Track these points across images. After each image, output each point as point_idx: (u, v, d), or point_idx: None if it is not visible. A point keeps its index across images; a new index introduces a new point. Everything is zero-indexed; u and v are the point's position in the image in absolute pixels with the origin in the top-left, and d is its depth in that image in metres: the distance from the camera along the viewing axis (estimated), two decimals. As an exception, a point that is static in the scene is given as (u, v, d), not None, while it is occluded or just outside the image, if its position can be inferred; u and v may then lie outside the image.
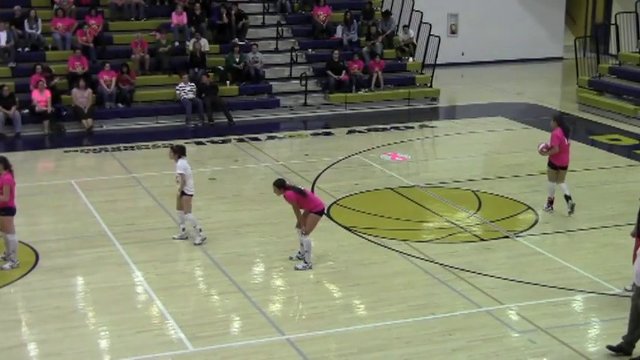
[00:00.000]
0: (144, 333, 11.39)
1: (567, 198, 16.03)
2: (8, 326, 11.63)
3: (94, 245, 14.50)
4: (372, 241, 14.76)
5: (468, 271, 13.45)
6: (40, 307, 12.16)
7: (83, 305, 12.46)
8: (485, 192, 17.45)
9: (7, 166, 13.26)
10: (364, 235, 15.01)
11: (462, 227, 15.53)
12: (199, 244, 14.37)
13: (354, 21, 27.55)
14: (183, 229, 14.61)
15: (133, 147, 21.06)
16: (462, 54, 32.45)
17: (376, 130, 23.14)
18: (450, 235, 15.18)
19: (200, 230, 14.47)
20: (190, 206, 14.43)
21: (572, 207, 15.97)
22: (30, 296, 12.61)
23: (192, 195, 14.47)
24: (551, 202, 16.29)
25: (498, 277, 13.22)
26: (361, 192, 17.53)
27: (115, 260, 13.88)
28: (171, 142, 21.34)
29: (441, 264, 13.72)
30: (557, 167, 16.06)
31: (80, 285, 13.21)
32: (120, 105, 23.77)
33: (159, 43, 24.88)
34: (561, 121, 16.19)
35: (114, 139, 21.86)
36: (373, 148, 20.94)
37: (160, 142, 21.39)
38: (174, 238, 14.61)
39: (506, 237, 15.02)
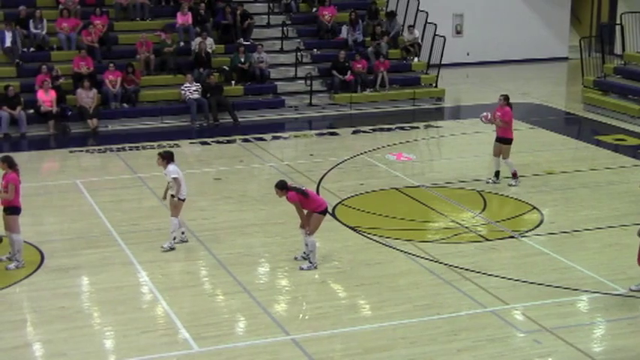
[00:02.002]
0: (149, 333, 11.39)
1: (514, 175, 17.73)
2: (13, 326, 11.64)
3: (99, 245, 14.51)
4: (377, 241, 14.75)
5: (473, 271, 13.43)
6: (45, 307, 12.17)
7: (88, 305, 12.46)
8: (490, 192, 17.43)
9: (13, 165, 13.28)
10: (369, 235, 15.00)
11: (467, 227, 15.51)
12: (166, 250, 14.14)
13: (359, 21, 27.55)
14: (183, 233, 14.54)
15: (138, 147, 21.08)
16: (468, 54, 32.42)
17: (381, 130, 23.13)
18: (455, 235, 15.16)
19: (174, 239, 14.30)
20: (179, 211, 14.28)
21: (496, 180, 17.74)
22: (35, 296, 12.62)
23: (184, 200, 14.31)
24: (497, 174, 17.75)
25: (503, 277, 13.21)
26: (366, 192, 17.52)
27: (120, 260, 13.88)
28: (176, 142, 21.50)
29: (446, 264, 13.71)
30: (508, 142, 17.62)
31: (85, 285, 13.22)
32: (125, 105, 23.79)
33: (164, 44, 24.90)
34: (509, 100, 17.80)
35: (119, 139, 21.88)
36: (378, 148, 20.93)
37: (165, 142, 21.39)
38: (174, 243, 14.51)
39: (512, 237, 15.00)
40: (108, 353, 11.09)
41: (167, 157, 14.21)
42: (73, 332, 11.42)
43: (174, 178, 14.06)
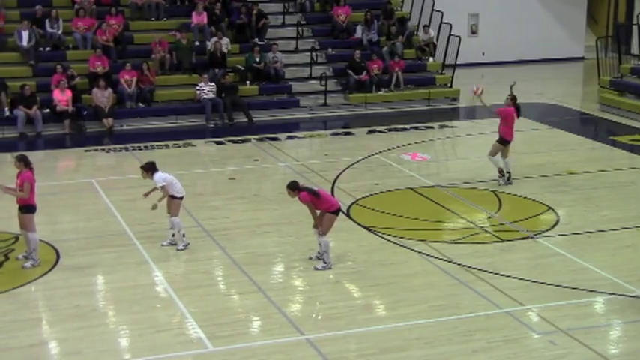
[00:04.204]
0: (164, 332, 11.40)
1: (509, 174, 17.76)
2: (29, 324, 11.67)
3: (115, 244, 14.55)
4: (391, 242, 14.72)
5: (488, 271, 13.39)
6: (60, 306, 12.20)
7: (103, 304, 12.49)
8: (505, 192, 17.37)
9: (28, 164, 13.33)
10: (384, 235, 14.98)
11: (482, 228, 15.47)
12: (182, 249, 14.19)
13: (374, 21, 27.52)
14: (173, 235, 14.45)
15: (153, 146, 21.12)
16: (483, 54, 32.34)
17: (396, 130, 23.09)
18: (471, 235, 15.12)
19: (184, 235, 14.29)
20: (178, 210, 14.29)
21: (508, 178, 17.78)
22: (50, 295, 12.66)
23: (181, 198, 14.27)
24: (501, 171, 17.74)
25: (519, 278, 13.15)
26: (381, 192, 17.50)
27: (135, 259, 13.91)
28: (191, 141, 21.55)
29: (461, 264, 13.67)
30: (507, 143, 17.61)
31: (100, 284, 13.25)
32: (140, 104, 23.86)
33: (179, 43, 24.95)
34: (516, 101, 17.83)
35: (134, 139, 21.93)
36: (393, 148, 20.90)
37: (180, 142, 21.46)
38: (162, 245, 14.40)
39: (527, 237, 14.94)
40: (123, 352, 11.10)
41: (149, 169, 14.09)
42: (88, 331, 11.45)
43: (163, 187, 14.00)
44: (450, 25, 27.36)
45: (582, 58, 33.96)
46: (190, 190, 15.91)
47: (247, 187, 17.89)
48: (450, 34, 27.22)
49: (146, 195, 14.29)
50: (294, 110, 24.99)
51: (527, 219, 15.95)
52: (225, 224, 15.52)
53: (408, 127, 23.41)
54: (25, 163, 13.34)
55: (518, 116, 17.89)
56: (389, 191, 17.58)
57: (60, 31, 24.70)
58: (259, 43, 25.84)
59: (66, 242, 14.60)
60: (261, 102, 24.86)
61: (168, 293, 12.64)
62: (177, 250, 14.22)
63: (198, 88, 23.98)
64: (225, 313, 12.00)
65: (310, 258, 13.79)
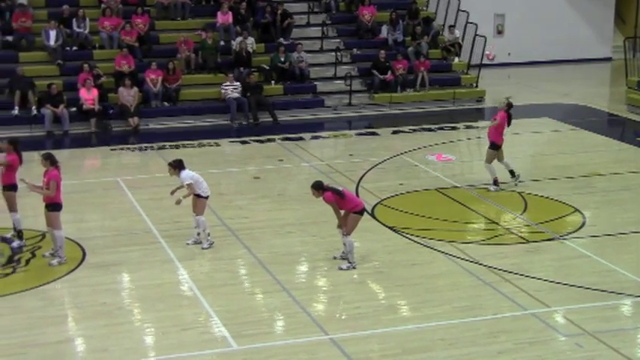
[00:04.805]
0: (188, 330, 11.44)
1: (512, 172, 17.59)
2: (55, 321, 11.75)
3: (140, 242, 14.61)
4: (416, 242, 14.68)
5: (513, 273, 13.32)
6: (86, 303, 12.28)
7: (129, 302, 12.54)
8: (531, 193, 17.27)
9: (54, 162, 13.41)
10: (408, 236, 14.94)
11: (507, 229, 15.39)
12: (207, 248, 14.24)
13: (400, 21, 27.46)
14: (198, 234, 14.46)
15: (178, 145, 21.19)
16: (509, 54, 32.15)
17: (421, 130, 23.03)
18: (496, 236, 15.05)
19: (209, 234, 14.34)
20: (203, 209, 14.34)
21: (517, 178, 17.65)
22: (77, 292, 12.73)
23: (207, 197, 14.33)
24: (496, 180, 17.39)
25: (544, 280, 13.07)
26: (406, 192, 17.45)
27: (160, 258, 13.96)
28: (216, 140, 21.61)
29: (486, 265, 13.61)
30: (499, 147, 17.28)
31: (126, 282, 13.32)
32: (165, 104, 23.95)
33: (204, 43, 25.02)
34: (510, 107, 17.45)
35: (159, 138, 22.03)
36: (418, 149, 20.84)
37: (205, 141, 21.51)
38: (187, 244, 14.45)
39: (553, 239, 14.85)
40: (148, 350, 11.15)
41: (177, 166, 14.18)
42: (113, 328, 11.50)
43: (189, 185, 14.05)
44: (476, 25, 27.24)
45: (610, 59, 33.71)
46: (215, 189, 15.94)
47: (272, 187, 17.90)
48: (476, 34, 27.10)
49: (173, 192, 14.34)
50: (318, 110, 24.99)
51: (553, 220, 15.85)
52: (250, 223, 15.54)
53: (433, 127, 23.33)
54: (51, 161, 13.43)
55: (509, 124, 17.45)
56: (414, 191, 17.53)
57: (87, 31, 24.84)
58: (284, 42, 25.87)
59: (92, 240, 14.68)
60: (285, 102, 24.87)
61: (193, 292, 12.68)
62: (202, 248, 14.26)
63: (223, 87, 24.03)
64: (250, 312, 12.02)
65: (334, 258, 13.78)
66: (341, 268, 13.45)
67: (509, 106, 17.42)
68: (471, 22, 27.52)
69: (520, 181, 17.66)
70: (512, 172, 17.66)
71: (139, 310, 12.19)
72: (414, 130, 22.94)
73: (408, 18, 27.98)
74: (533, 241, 14.75)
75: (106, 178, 18.62)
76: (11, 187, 14.15)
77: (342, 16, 28.13)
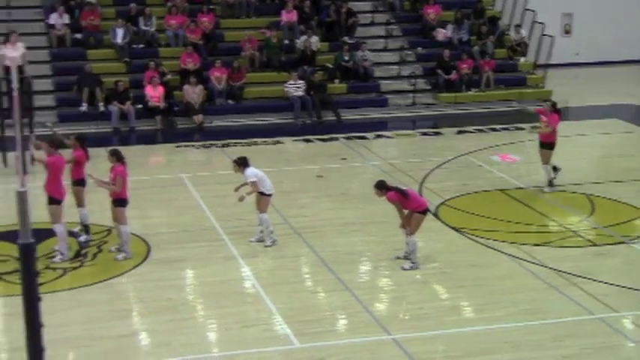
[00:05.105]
0: (251, 327, 11.48)
1: (555, 168, 17.38)
2: (120, 315, 11.90)
3: (204, 239, 14.72)
4: (480, 243, 14.53)
5: (580, 276, 13.08)
6: (151, 298, 12.41)
7: (192, 298, 12.65)
8: (599, 196, 16.96)
9: (120, 159, 13.58)
10: (472, 237, 14.79)
11: (574, 231, 15.13)
12: (270, 246, 14.26)
13: (465, 20, 27.22)
14: (261, 232, 14.47)
15: (241, 143, 21.30)
16: (577, 54, 31.62)
17: (486, 130, 22.79)
18: (562, 239, 14.81)
19: (272, 232, 14.37)
20: (267, 207, 14.36)
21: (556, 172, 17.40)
22: (141, 287, 12.88)
23: (270, 195, 14.34)
24: (551, 182, 17.27)
25: (612, 284, 12.81)
26: (470, 193, 17.29)
27: (223, 254, 14.05)
28: (279, 139, 21.66)
29: (551, 268, 13.39)
30: (554, 146, 17.14)
31: (190, 278, 13.44)
32: (230, 101, 24.11)
33: (269, 41, 25.12)
34: (555, 106, 17.31)
35: (223, 135, 22.17)
36: (483, 149, 20.63)
37: (268, 139, 21.59)
38: (250, 241, 14.49)
39: (621, 242, 14.55)
40: (211, 346, 11.23)
41: (242, 163, 14.24)
42: (178, 324, 11.60)
43: (253, 182, 14.09)
44: (543, 24, 26.85)
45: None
46: (278, 187, 15.92)
47: (334, 186, 17.88)
48: (543, 34, 26.72)
49: (237, 189, 14.42)
50: (382, 109, 24.90)
51: (621, 224, 15.53)
52: (313, 222, 15.55)
53: (498, 127, 23.07)
54: (117, 157, 13.60)
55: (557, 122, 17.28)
56: (478, 192, 17.35)
57: (153, 29, 25.14)
58: (349, 41, 25.83)
59: (156, 236, 14.83)
60: (349, 100, 24.83)
61: (256, 289, 12.72)
62: (265, 246, 14.31)
63: (287, 85, 24.10)
64: (312, 311, 12.02)
65: (397, 258, 13.70)
66: (404, 268, 13.38)
67: (554, 106, 17.30)
68: (538, 22, 27.14)
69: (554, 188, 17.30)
70: (551, 182, 17.33)
71: (202, 306, 12.28)
72: (479, 130, 22.71)
73: (473, 17, 27.71)
74: (601, 244, 14.47)
75: (171, 174, 18.81)
76: (79, 183, 14.37)
77: (407, 15, 27.97)
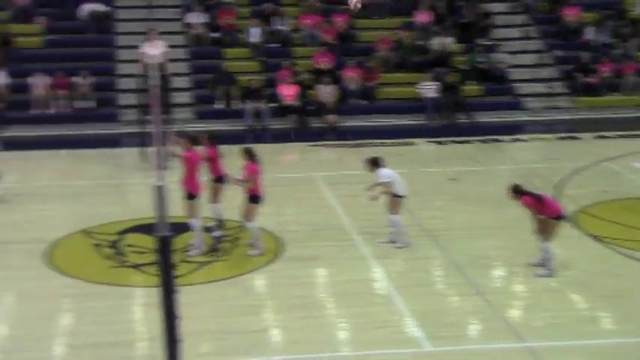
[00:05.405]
0: (382, 329, 11.37)
1: None
2: (252, 311, 12.00)
3: (335, 238, 14.72)
4: (620, 252, 13.99)
5: None
6: (282, 295, 12.48)
7: (323, 296, 12.64)
8: None
9: (252, 156, 13.73)
10: (612, 246, 14.26)
11: None
12: (401, 247, 14.11)
13: (606, 22, 26.36)
14: (392, 233, 14.33)
15: (374, 144, 21.25)
16: None
17: (627, 136, 21.98)
18: None
19: (403, 234, 14.19)
20: (398, 209, 14.19)
21: None
22: (273, 283, 12.98)
23: (402, 197, 14.17)
24: None
25: None
26: (610, 200, 16.68)
27: (354, 254, 14.01)
28: (412, 140, 21.53)
29: (697, 281, 12.77)
30: None
31: (321, 276, 13.45)
32: (363, 102, 24.10)
33: (402, 41, 24.99)
34: None
35: (356, 135, 22.18)
36: (623, 156, 19.89)
37: (401, 140, 21.47)
38: (381, 242, 14.37)
39: None
40: (340, 345, 11.19)
41: (375, 163, 14.14)
42: (308, 321, 11.61)
43: (385, 183, 13.93)
44: (691, 26, 25.74)
45: None
46: (410, 188, 15.73)
47: (468, 188, 17.60)
48: (690, 37, 25.62)
49: (369, 189, 14.36)
50: (518, 112, 24.39)
51: None
52: (445, 225, 15.34)
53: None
54: (249, 155, 13.76)
55: None
56: (619, 200, 16.73)
57: (288, 28, 25.39)
58: (484, 43, 25.41)
59: (289, 234, 14.93)
60: (483, 103, 24.44)
61: (387, 290, 12.62)
62: (396, 248, 14.19)
63: (420, 86, 23.91)
64: (444, 314, 11.82)
65: (532, 265, 13.34)
66: (538, 275, 13.01)
67: None
68: (684, 24, 26.04)
69: None
70: None
71: (333, 305, 12.26)
72: (619, 136, 21.93)
73: (615, 19, 26.80)
74: None
75: (304, 173, 18.95)
76: (219, 180, 14.61)
77: (545, 17, 27.35)
